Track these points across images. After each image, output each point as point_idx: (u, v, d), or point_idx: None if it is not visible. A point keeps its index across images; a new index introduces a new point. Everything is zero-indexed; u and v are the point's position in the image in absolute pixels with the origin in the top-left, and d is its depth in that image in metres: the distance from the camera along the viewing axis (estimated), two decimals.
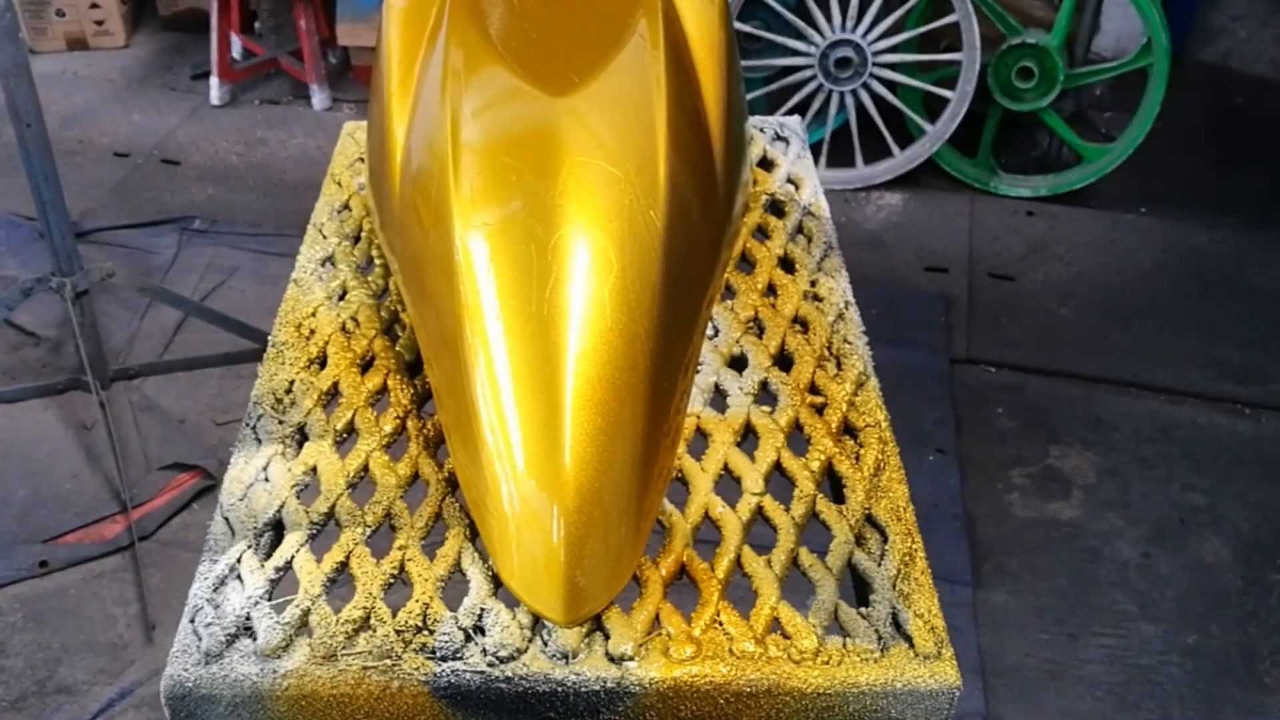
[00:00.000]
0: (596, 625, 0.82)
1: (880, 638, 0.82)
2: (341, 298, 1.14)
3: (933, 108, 3.03)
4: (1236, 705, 1.81)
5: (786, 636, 0.82)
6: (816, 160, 3.08)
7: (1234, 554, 2.08)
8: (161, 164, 3.16)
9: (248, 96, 3.54)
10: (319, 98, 3.42)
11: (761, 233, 1.24)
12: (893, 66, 3.00)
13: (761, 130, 1.43)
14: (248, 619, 0.83)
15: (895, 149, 3.06)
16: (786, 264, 1.20)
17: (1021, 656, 1.87)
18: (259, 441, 0.97)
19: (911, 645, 0.82)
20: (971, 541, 2.07)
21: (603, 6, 1.10)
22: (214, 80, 3.42)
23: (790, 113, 3.11)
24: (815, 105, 3.05)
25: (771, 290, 1.15)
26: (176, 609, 1.89)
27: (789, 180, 1.34)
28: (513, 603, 0.82)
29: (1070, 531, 2.12)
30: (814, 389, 1.03)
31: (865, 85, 3.01)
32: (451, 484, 0.93)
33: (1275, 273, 2.84)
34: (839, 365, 1.06)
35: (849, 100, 3.03)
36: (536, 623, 0.82)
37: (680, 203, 0.93)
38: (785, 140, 1.42)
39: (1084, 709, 1.80)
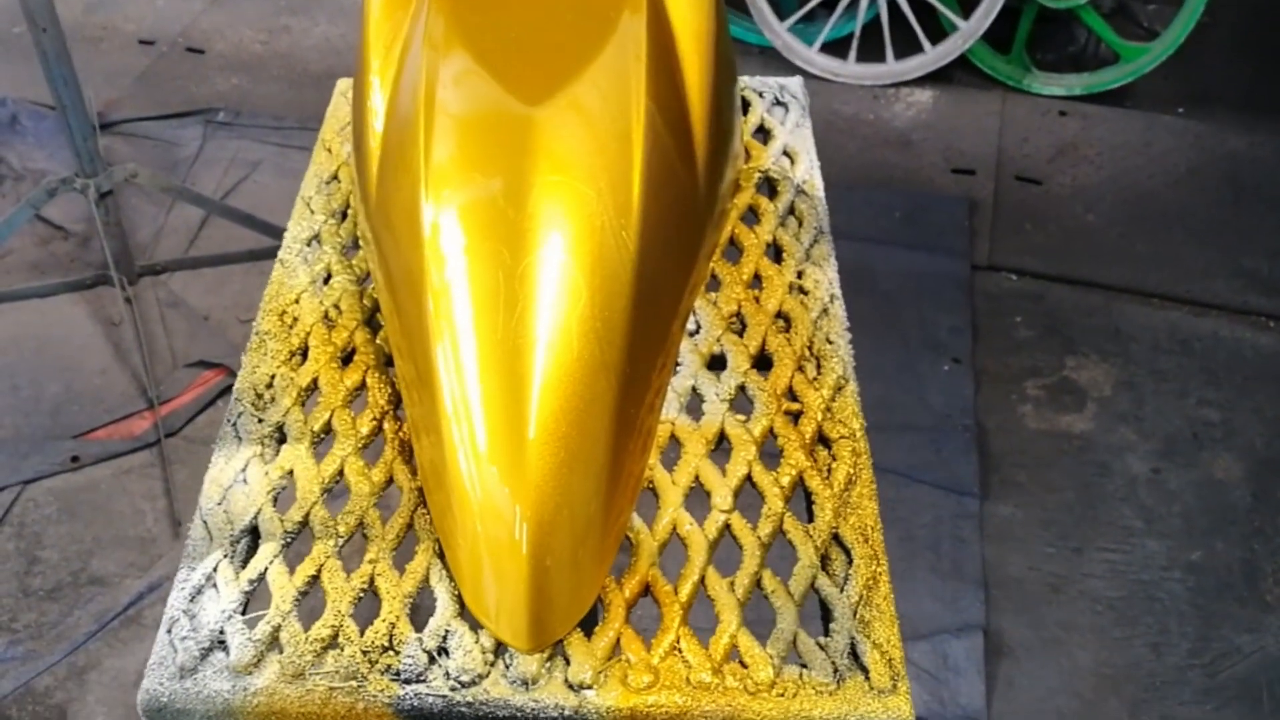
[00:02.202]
0: (558, 650, 0.83)
1: (836, 670, 0.83)
2: (326, 281, 1.14)
3: (966, 2, 2.95)
4: (1235, 622, 1.85)
5: (744, 665, 0.83)
6: (845, 55, 3.03)
7: (1245, 470, 2.09)
8: (186, 52, 3.14)
9: None
10: None
11: (752, 214, 1.22)
12: None
13: (760, 94, 1.39)
14: (221, 633, 0.85)
15: (926, 44, 2.99)
16: (776, 249, 1.19)
17: (1024, 569, 1.91)
18: (239, 440, 0.99)
19: (867, 678, 0.83)
20: (981, 453, 2.09)
21: None
22: None
23: (821, 6, 3.04)
24: None
25: (758, 280, 1.14)
26: None
27: (784, 153, 1.31)
28: (477, 625, 0.84)
29: (1081, 445, 2.13)
30: (792, 394, 1.03)
31: None
32: (423, 495, 0.94)
33: None
34: (819, 368, 1.05)
35: None
36: (499, 646, 0.84)
37: (656, 216, 0.92)
38: (785, 106, 1.38)
39: (1083, 622, 1.84)
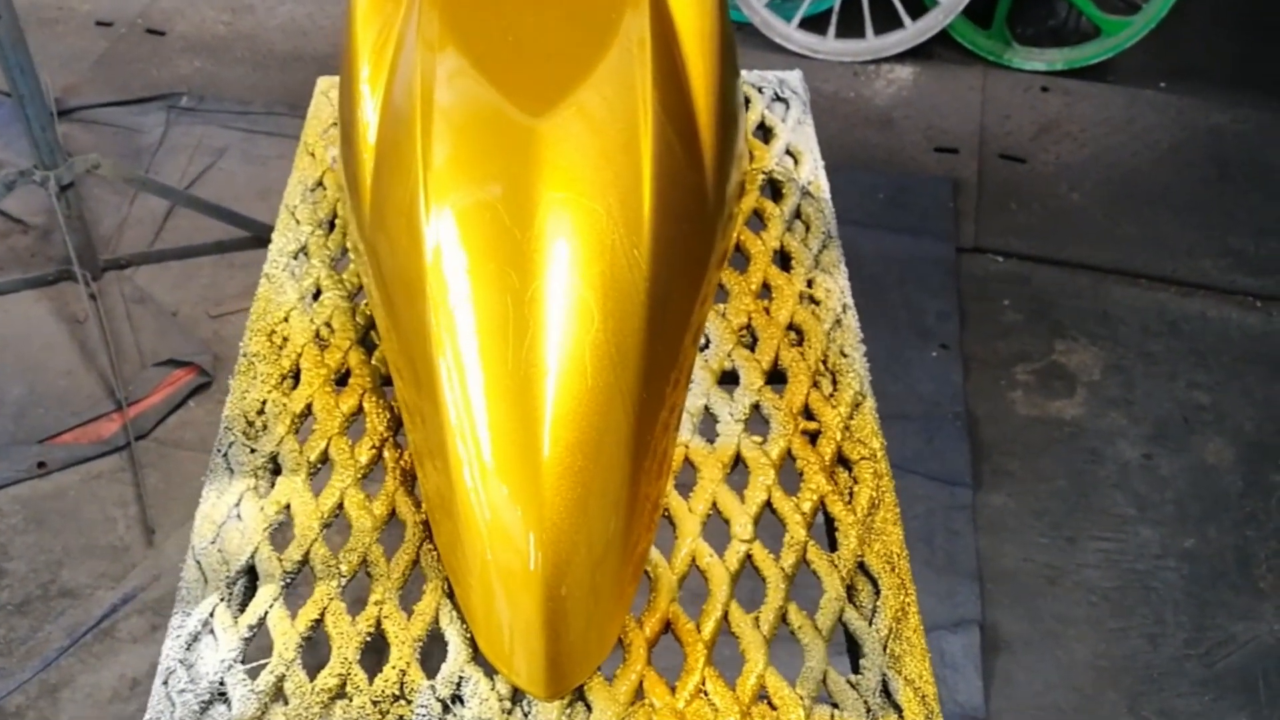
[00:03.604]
0: (578, 696, 0.79)
1: (869, 709, 0.80)
2: (315, 297, 1.08)
3: None
4: (1229, 610, 1.83)
5: (773, 708, 0.80)
6: (825, 31, 2.97)
7: (1236, 454, 2.07)
8: (146, 34, 3.04)
9: None
10: None
11: (758, 218, 1.17)
12: None
13: (760, 90, 1.34)
14: (222, 684, 0.81)
15: (907, 19, 2.94)
16: (783, 256, 1.14)
17: (1019, 561, 1.88)
18: (230, 472, 0.94)
19: (901, 717, 0.80)
20: (973, 441, 2.05)
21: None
22: None
23: None
24: None
25: (766, 290, 1.09)
26: (175, 511, 1.90)
27: (788, 152, 1.25)
28: (492, 670, 0.80)
29: (1072, 431, 2.10)
30: (808, 413, 0.99)
31: None
32: (428, 525, 0.89)
33: None
34: (834, 383, 1.01)
35: None
36: (516, 693, 0.79)
37: (667, 230, 0.87)
38: (785, 102, 1.32)
39: (1078, 614, 1.81)
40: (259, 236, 2.34)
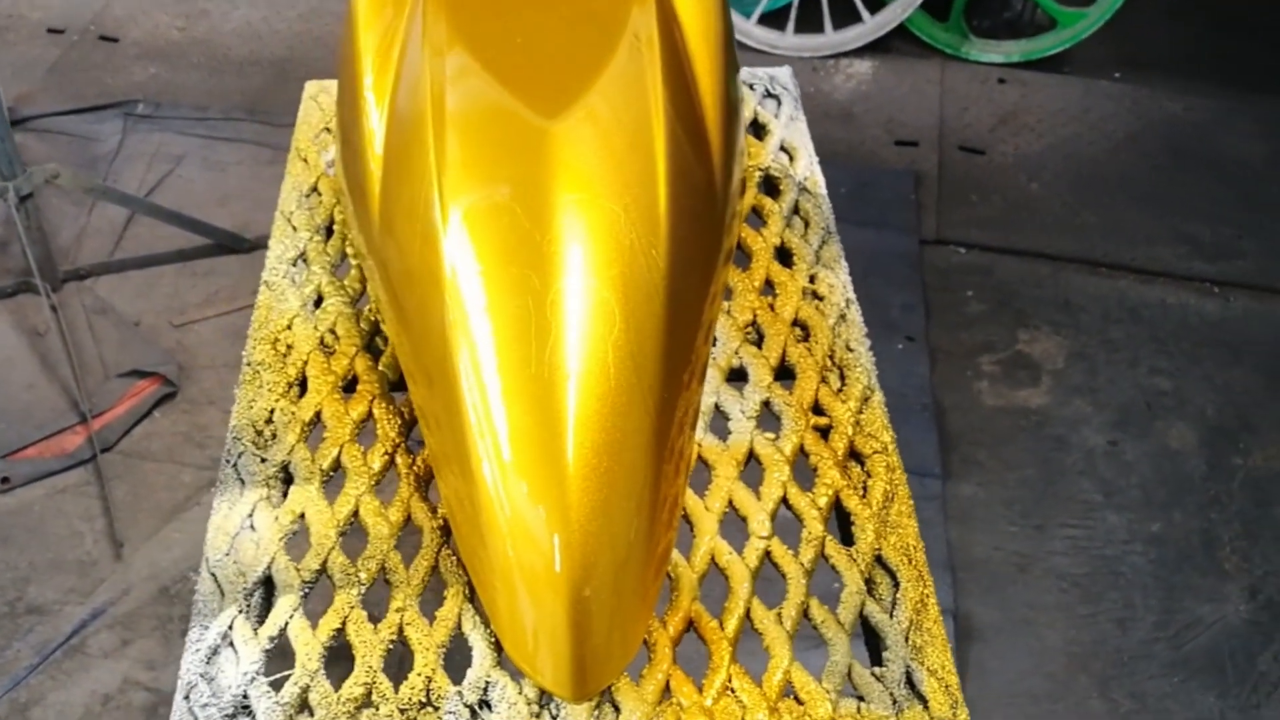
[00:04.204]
0: (606, 697, 0.80)
1: (895, 700, 0.81)
2: (317, 304, 1.08)
3: None
4: (1196, 593, 1.86)
5: (800, 702, 0.80)
6: (783, 26, 2.98)
7: (1198, 439, 2.10)
8: (99, 41, 3.00)
9: None
10: None
11: (756, 215, 1.18)
12: None
13: (751, 87, 1.34)
14: (245, 697, 0.80)
15: (865, 14, 2.96)
16: (783, 252, 1.14)
17: (989, 549, 1.90)
18: (241, 483, 0.93)
19: (926, 707, 0.80)
20: (940, 432, 2.07)
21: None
22: None
23: None
24: None
25: (769, 286, 1.10)
26: (143, 524, 1.88)
27: (782, 148, 1.26)
28: (518, 673, 0.80)
29: (1038, 419, 2.13)
30: (817, 408, 0.99)
31: None
32: (445, 529, 0.89)
33: (1247, 142, 2.80)
34: (842, 378, 1.02)
35: None
36: (544, 695, 0.79)
37: (682, 229, 0.87)
38: (777, 99, 1.33)
39: (1049, 601, 1.84)
40: (221, 244, 2.32)
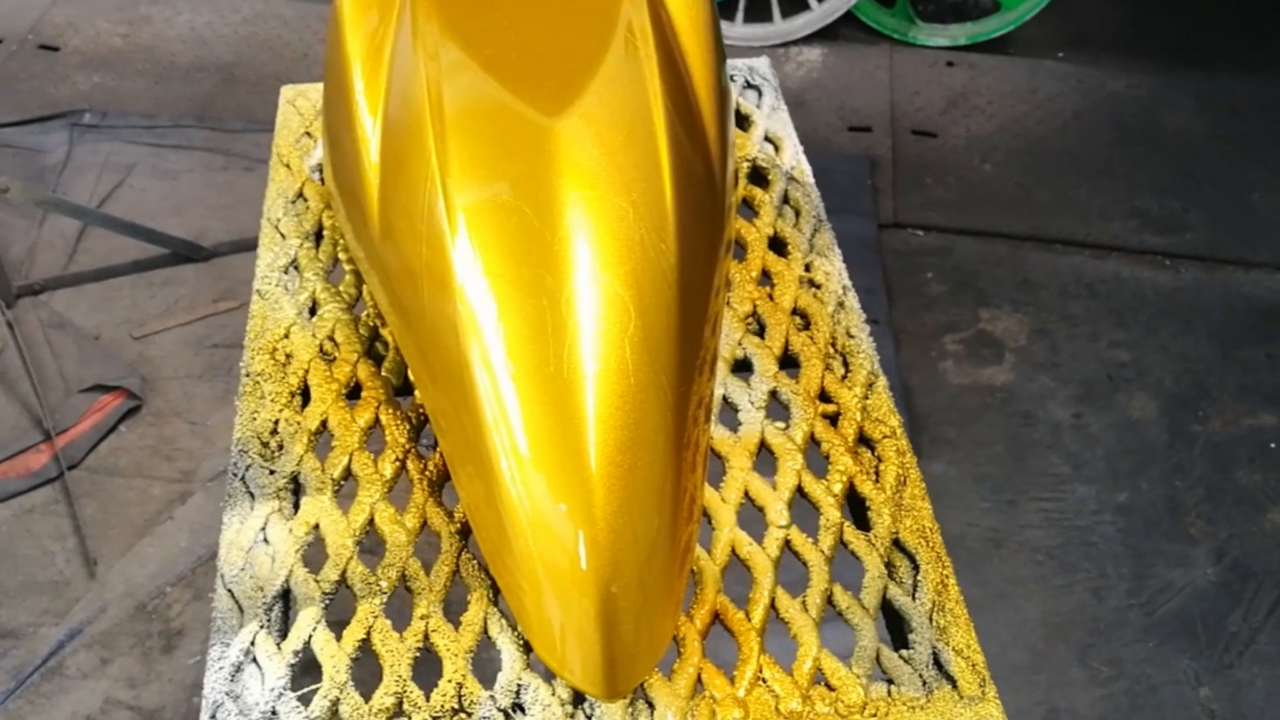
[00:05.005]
0: (638, 694, 0.80)
1: (924, 682, 0.81)
2: (313, 312, 1.07)
3: None
4: (1165, 558, 1.90)
5: (831, 688, 0.81)
6: (732, 15, 2.99)
7: (1159, 408, 2.14)
8: (39, 50, 2.94)
9: None
10: None
11: (747, 206, 1.19)
12: None
13: (732, 78, 1.34)
14: (274, 713, 0.79)
15: (813, 1, 2.98)
16: (777, 242, 1.15)
17: (964, 526, 1.93)
18: (251, 497, 0.91)
19: (955, 687, 0.81)
20: (910, 413, 2.10)
21: None
22: None
23: None
24: None
25: (766, 277, 1.11)
26: (115, 540, 1.85)
27: (767, 138, 1.27)
28: (549, 674, 0.80)
29: (1004, 396, 2.16)
30: (824, 395, 1.00)
31: None
32: (463, 533, 0.88)
33: (1187, 116, 2.85)
34: (846, 365, 1.03)
35: None
36: (577, 696, 0.79)
37: (687, 223, 0.87)
38: (757, 89, 1.34)
39: (1026, 574, 1.87)
40: (177, 253, 2.29)
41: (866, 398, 1.00)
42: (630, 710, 0.79)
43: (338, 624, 0.84)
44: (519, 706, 0.79)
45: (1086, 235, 2.50)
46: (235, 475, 0.93)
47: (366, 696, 0.80)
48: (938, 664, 0.83)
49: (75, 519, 1.86)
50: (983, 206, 2.58)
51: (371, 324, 1.04)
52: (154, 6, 3.10)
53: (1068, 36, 3.10)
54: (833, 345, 1.04)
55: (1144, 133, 2.81)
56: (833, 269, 1.11)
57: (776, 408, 0.99)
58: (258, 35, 3.01)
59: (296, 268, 1.11)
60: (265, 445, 0.95)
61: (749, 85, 1.34)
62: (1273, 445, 2.08)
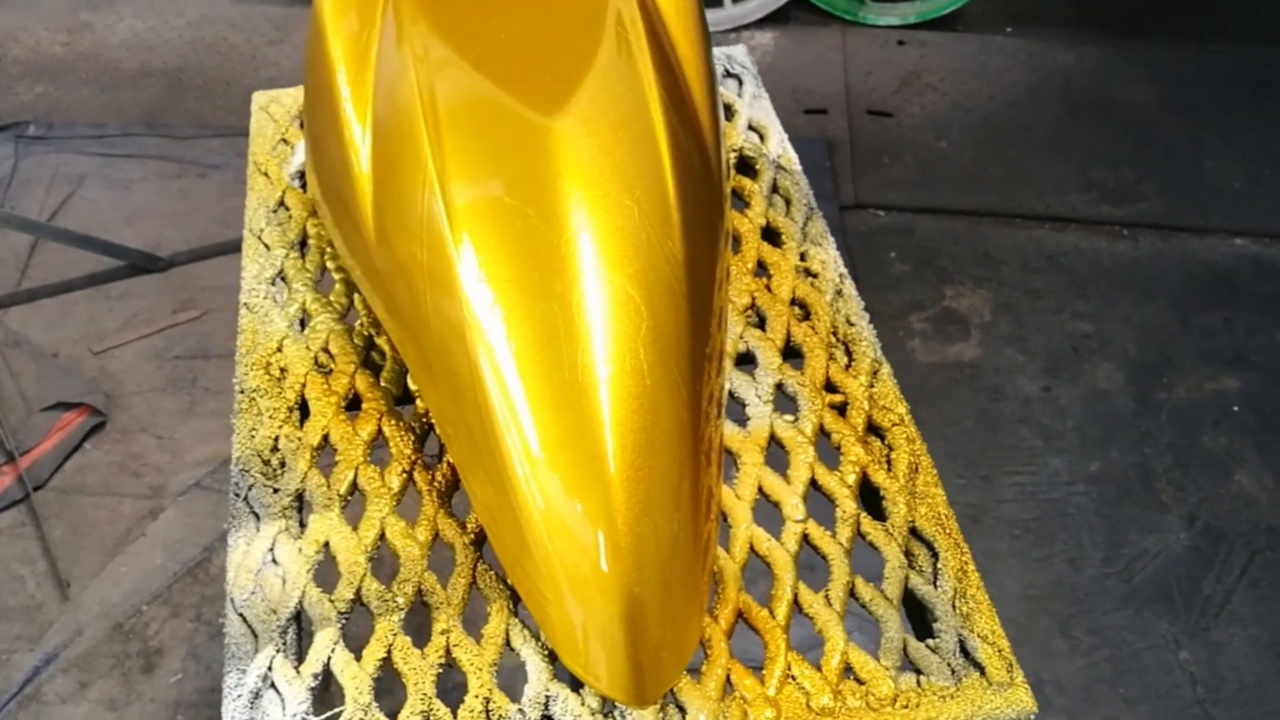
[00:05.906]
0: (669, 699, 0.79)
1: (953, 670, 0.81)
2: (304, 324, 1.04)
3: None
4: (1139, 525, 1.93)
5: (861, 682, 0.81)
6: None
7: (1124, 377, 2.17)
8: None
9: None
10: None
11: (737, 197, 1.17)
12: None
13: None
14: None
15: None
16: (770, 232, 1.14)
17: None
18: (256, 517, 0.89)
19: (984, 674, 0.81)
20: None
21: None
22: None
23: None
24: None
25: (761, 268, 1.10)
26: (87, 562, 1.82)
27: (751, 127, 1.26)
28: (576, 684, 0.79)
29: (972, 372, 2.18)
30: (830, 385, 1.00)
31: None
32: (477, 543, 0.87)
33: (1136, 87, 2.88)
34: (849, 354, 1.02)
35: None
36: (606, 704, 0.78)
37: (691, 218, 0.86)
38: (737, 78, 1.32)
39: (1003, 549, 1.89)
40: (134, 264, 2.25)
41: (872, 385, 1.00)
42: (662, 715, 0.78)
43: (354, 643, 0.83)
44: (548, 718, 0.78)
45: (1045, 209, 2.52)
46: (238, 495, 0.91)
47: (390, 716, 0.79)
48: (964, 651, 0.83)
49: (44, 541, 1.83)
50: (941, 184, 2.59)
51: (366, 333, 1.02)
52: (95, 13, 3.04)
53: (1016, 12, 3.12)
54: (834, 334, 1.04)
55: (1095, 105, 2.83)
56: (828, 257, 1.11)
57: (783, 400, 0.99)
58: (204, 39, 2.96)
59: (284, 279, 1.09)
60: (266, 463, 0.93)
61: (729, 74, 1.33)
62: (1235, 409, 2.11)
